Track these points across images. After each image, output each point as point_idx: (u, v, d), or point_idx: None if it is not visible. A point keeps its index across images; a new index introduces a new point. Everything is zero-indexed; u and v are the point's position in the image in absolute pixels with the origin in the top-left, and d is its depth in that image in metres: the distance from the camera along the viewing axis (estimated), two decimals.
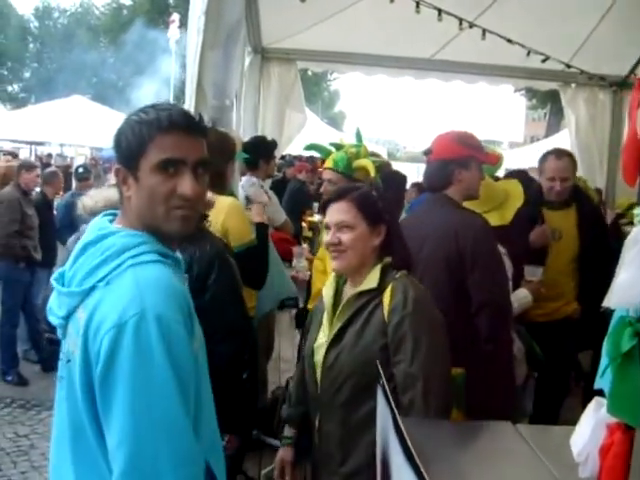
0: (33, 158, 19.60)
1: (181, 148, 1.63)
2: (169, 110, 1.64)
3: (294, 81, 7.96)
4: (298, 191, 9.38)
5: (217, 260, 2.80)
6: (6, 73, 56.85)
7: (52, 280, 1.72)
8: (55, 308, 1.68)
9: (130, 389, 1.43)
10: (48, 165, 14.18)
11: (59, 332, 1.70)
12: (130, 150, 1.64)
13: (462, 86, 8.31)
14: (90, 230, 1.69)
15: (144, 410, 1.44)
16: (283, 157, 11.72)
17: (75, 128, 16.66)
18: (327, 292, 2.59)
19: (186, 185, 1.62)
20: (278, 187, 8.78)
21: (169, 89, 25.41)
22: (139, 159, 1.63)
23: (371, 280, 2.41)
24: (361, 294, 2.41)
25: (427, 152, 3.33)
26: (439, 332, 2.37)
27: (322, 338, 2.52)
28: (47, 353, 6.91)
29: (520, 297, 3.79)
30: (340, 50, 7.77)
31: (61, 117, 17.12)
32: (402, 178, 5.55)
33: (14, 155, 15.70)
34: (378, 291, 2.38)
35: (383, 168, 4.65)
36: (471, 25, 6.32)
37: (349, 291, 2.51)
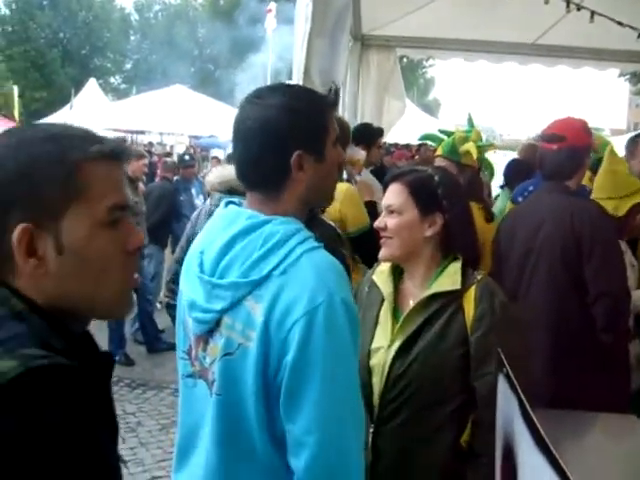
0: (135, 147, 20.22)
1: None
2: (329, 91, 1.68)
3: (393, 68, 7.91)
4: None
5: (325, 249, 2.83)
6: (109, 65, 58.89)
7: (193, 273, 1.66)
8: (203, 302, 1.60)
9: (324, 374, 1.44)
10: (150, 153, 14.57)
11: (202, 327, 1.62)
12: (313, 131, 1.60)
13: (566, 71, 8.08)
14: (231, 220, 1.62)
15: (337, 394, 1.45)
16: (380, 146, 11.66)
17: (174, 117, 17.06)
18: (385, 286, 2.31)
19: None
20: (377, 176, 8.74)
21: (265, 78, 25.69)
22: (325, 139, 1.62)
23: (448, 280, 2.17)
24: (435, 296, 2.16)
25: (555, 139, 3.19)
26: (525, 344, 2.26)
27: (382, 341, 2.26)
28: (153, 336, 7.15)
29: (635, 299, 3.59)
30: (440, 36, 7.67)
31: (161, 107, 17.57)
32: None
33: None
34: (457, 294, 2.15)
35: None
36: (579, 8, 6.11)
37: (411, 288, 2.28)
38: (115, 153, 1.13)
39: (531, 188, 4.15)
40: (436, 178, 2.24)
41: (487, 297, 2.13)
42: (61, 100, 39.56)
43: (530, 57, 7.95)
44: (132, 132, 22.56)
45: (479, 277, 2.20)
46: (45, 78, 54.32)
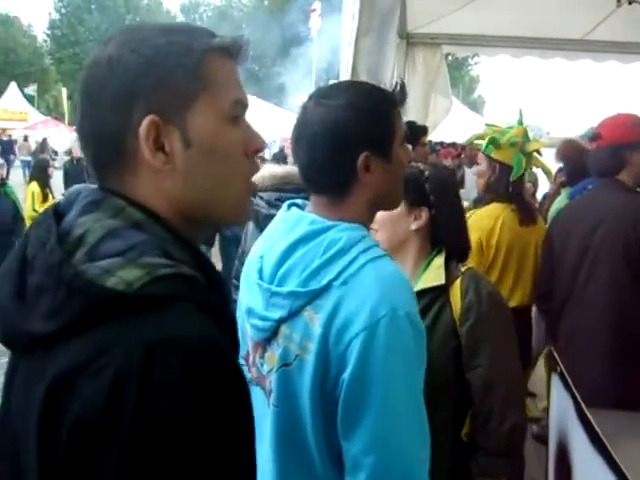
0: None
1: None
2: (394, 86, 1.58)
3: (439, 66, 7.85)
4: None
5: None
6: None
7: (252, 278, 1.61)
8: (261, 310, 1.55)
9: (384, 393, 1.35)
10: None
11: (260, 335, 1.57)
12: (381, 132, 1.53)
13: (616, 67, 7.93)
14: (292, 224, 1.56)
15: (398, 415, 1.36)
16: (424, 144, 11.59)
17: None
18: None
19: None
20: None
21: (310, 78, 25.77)
22: (392, 138, 1.55)
23: (432, 276, 2.12)
24: (421, 293, 2.06)
25: (595, 137, 3.19)
26: (512, 330, 2.15)
27: None
28: None
29: None
30: (487, 33, 7.59)
31: None
32: None
33: None
34: (442, 288, 2.11)
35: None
36: (630, 1, 5.99)
37: None
38: (234, 49, 1.07)
39: (590, 187, 4.07)
40: (426, 174, 2.22)
41: (473, 288, 2.10)
42: None
43: (579, 53, 7.81)
44: None
45: (463, 269, 2.18)
46: None
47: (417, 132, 5.52)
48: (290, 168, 2.97)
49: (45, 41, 60.05)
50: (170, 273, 0.91)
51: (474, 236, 3.33)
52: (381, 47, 3.79)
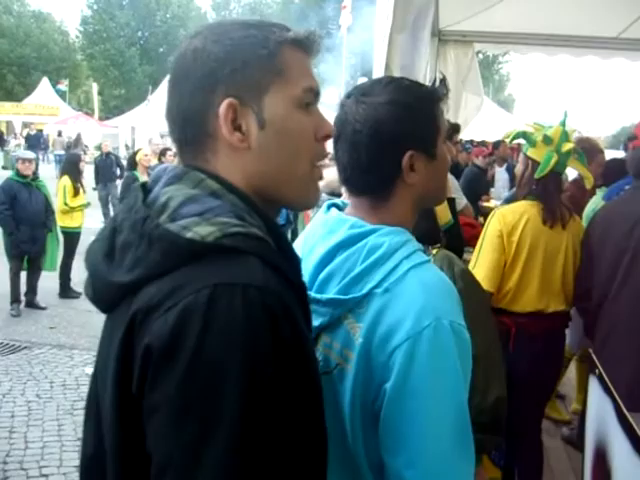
0: None
1: None
2: (433, 81, 1.53)
3: (471, 63, 7.79)
4: (475, 177, 9.13)
5: None
6: None
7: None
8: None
9: (427, 405, 1.29)
10: None
11: None
12: (425, 129, 1.47)
13: None
14: (332, 227, 1.51)
15: (441, 427, 1.30)
16: (456, 142, 11.54)
17: None
18: None
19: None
20: (452, 173, 8.64)
21: (341, 74, 25.69)
22: (436, 135, 1.49)
23: None
24: None
25: (631, 138, 3.18)
26: (488, 305, 2.13)
27: None
28: None
29: None
30: (519, 31, 7.52)
31: None
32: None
33: None
34: None
35: None
36: None
37: None
38: (307, 42, 1.18)
39: (627, 187, 4.01)
40: None
41: (446, 266, 2.10)
42: (138, 97, 40.62)
43: (613, 51, 7.71)
44: None
45: (434, 251, 2.18)
46: (123, 76, 55.71)
47: (450, 130, 5.49)
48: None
49: (77, 37, 60.60)
50: (240, 231, 1.02)
51: (495, 227, 3.30)
52: (415, 44, 3.77)
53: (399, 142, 1.44)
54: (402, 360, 1.29)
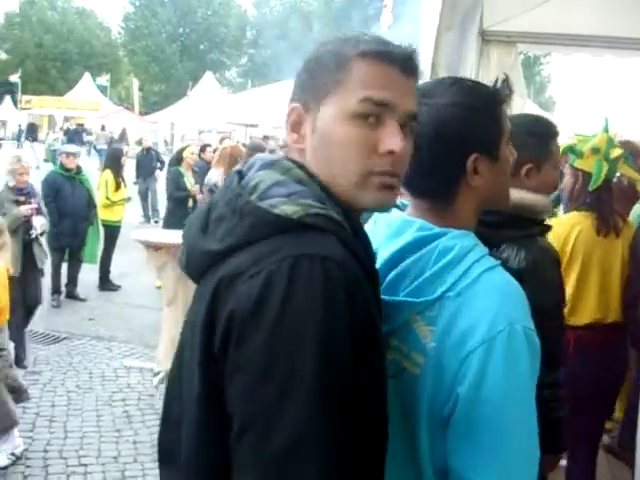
0: (247, 140, 20.62)
1: None
2: (495, 82, 1.50)
3: (514, 64, 7.69)
4: None
5: None
6: (225, 60, 60.31)
7: None
8: None
9: (498, 411, 1.27)
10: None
11: None
12: (488, 131, 1.44)
13: None
14: (398, 228, 1.49)
15: (510, 433, 1.28)
16: None
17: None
18: None
19: None
20: None
21: None
22: (500, 137, 1.46)
23: None
24: None
25: None
26: None
27: None
28: None
29: None
30: (565, 32, 7.41)
31: (275, 100, 17.85)
32: None
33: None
34: None
35: None
36: None
37: None
38: (385, 54, 1.19)
39: None
40: None
41: None
42: (178, 93, 40.92)
43: None
44: (247, 125, 23.04)
45: None
46: (164, 72, 56.25)
47: None
48: None
49: (119, 33, 61.33)
50: (322, 213, 1.12)
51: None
52: (461, 44, 3.74)
53: (463, 145, 1.41)
54: (476, 365, 1.27)
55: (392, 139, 1.17)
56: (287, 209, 1.10)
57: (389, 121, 1.18)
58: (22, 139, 34.47)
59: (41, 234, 6.17)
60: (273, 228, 1.10)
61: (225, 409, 1.05)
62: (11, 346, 4.88)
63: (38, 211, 6.20)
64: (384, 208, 1.29)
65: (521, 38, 7.63)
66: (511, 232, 2.12)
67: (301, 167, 1.20)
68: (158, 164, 15.62)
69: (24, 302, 6.00)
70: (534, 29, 7.38)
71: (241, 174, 1.24)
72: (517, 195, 2.24)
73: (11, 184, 6.17)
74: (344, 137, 1.17)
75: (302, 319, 1.00)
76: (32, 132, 30.42)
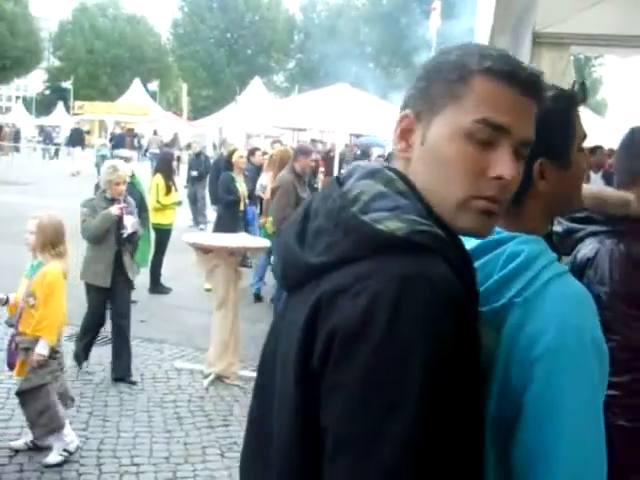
0: (295, 144, 20.68)
1: None
2: (573, 85, 1.48)
3: (566, 67, 7.59)
4: None
5: None
6: (272, 64, 60.66)
7: None
8: None
9: (565, 421, 1.24)
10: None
11: None
12: (558, 136, 1.41)
13: None
14: None
15: (580, 442, 1.25)
16: None
17: (335, 115, 17.32)
18: None
19: None
20: None
21: None
22: (571, 143, 1.43)
23: None
24: None
25: None
26: None
27: None
28: None
29: None
30: (620, 33, 7.28)
31: (323, 104, 17.87)
32: None
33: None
34: None
35: None
36: None
37: None
38: (510, 74, 1.13)
39: None
40: None
41: None
42: (226, 98, 41.33)
43: None
44: (294, 129, 23.14)
45: None
46: (212, 77, 56.88)
47: None
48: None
49: (168, 39, 62.17)
50: (427, 230, 1.08)
51: None
52: (516, 46, 3.71)
53: (531, 149, 1.36)
54: (542, 374, 1.25)
55: (504, 165, 1.12)
56: (391, 225, 1.06)
57: (503, 146, 1.13)
58: (69, 145, 34.83)
59: (133, 234, 5.99)
60: (378, 245, 1.06)
61: (319, 425, 1.04)
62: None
63: (129, 211, 6.01)
64: (480, 234, 1.22)
65: (574, 40, 7.51)
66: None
67: (402, 178, 1.16)
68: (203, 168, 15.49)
69: (113, 314, 6.09)
70: (588, 30, 7.27)
71: (339, 181, 1.22)
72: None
73: (108, 196, 5.93)
74: (453, 155, 1.13)
75: (408, 344, 0.97)
76: (77, 137, 30.50)
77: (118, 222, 5.84)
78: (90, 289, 5.93)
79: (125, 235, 5.88)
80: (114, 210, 5.82)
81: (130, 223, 5.90)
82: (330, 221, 1.12)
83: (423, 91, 1.18)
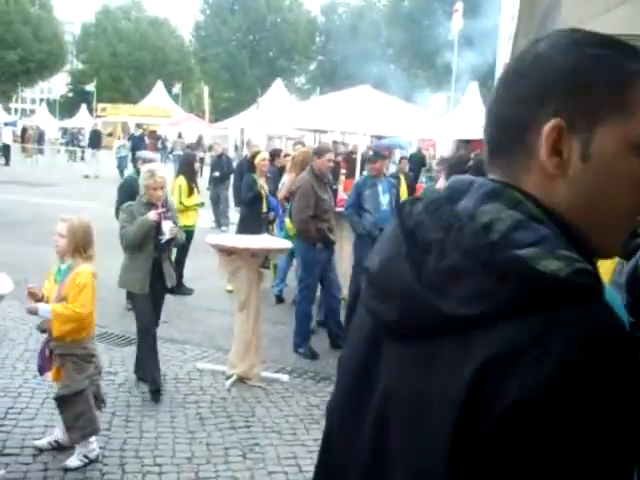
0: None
1: None
2: None
3: None
4: None
5: None
6: (294, 66, 60.76)
7: None
8: None
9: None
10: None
11: None
12: None
13: None
14: None
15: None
16: None
17: (357, 117, 17.31)
18: None
19: None
20: None
21: (451, 79, 25.43)
22: None
23: None
24: None
25: None
26: None
27: None
28: (336, 331, 7.26)
29: None
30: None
31: (344, 106, 17.87)
32: None
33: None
34: None
35: None
36: None
37: None
38: None
39: None
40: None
41: None
42: (248, 100, 41.46)
43: None
44: (315, 131, 23.14)
45: None
46: (234, 79, 57.07)
47: None
48: None
49: (190, 41, 62.49)
50: (584, 268, 0.89)
51: None
52: None
53: None
54: None
55: None
56: (550, 265, 0.88)
57: None
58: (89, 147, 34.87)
59: (172, 240, 5.80)
60: (545, 294, 0.87)
61: None
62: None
63: (167, 216, 5.79)
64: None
65: None
66: None
67: (531, 198, 0.99)
68: (225, 169, 15.47)
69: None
70: (612, 31, 7.21)
71: (449, 199, 1.04)
72: None
73: (145, 200, 5.73)
74: (628, 173, 0.98)
75: (608, 415, 0.84)
76: (95, 140, 30.36)
77: (156, 228, 5.63)
78: (133, 295, 5.96)
79: (164, 241, 5.70)
80: (152, 215, 5.58)
81: (168, 228, 5.70)
82: (471, 260, 0.92)
83: (575, 96, 0.98)
